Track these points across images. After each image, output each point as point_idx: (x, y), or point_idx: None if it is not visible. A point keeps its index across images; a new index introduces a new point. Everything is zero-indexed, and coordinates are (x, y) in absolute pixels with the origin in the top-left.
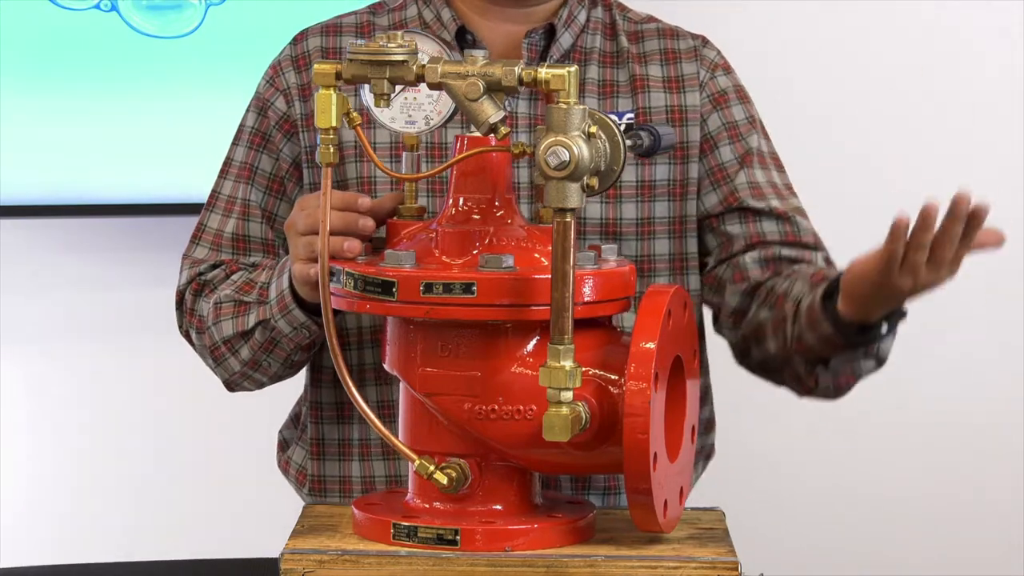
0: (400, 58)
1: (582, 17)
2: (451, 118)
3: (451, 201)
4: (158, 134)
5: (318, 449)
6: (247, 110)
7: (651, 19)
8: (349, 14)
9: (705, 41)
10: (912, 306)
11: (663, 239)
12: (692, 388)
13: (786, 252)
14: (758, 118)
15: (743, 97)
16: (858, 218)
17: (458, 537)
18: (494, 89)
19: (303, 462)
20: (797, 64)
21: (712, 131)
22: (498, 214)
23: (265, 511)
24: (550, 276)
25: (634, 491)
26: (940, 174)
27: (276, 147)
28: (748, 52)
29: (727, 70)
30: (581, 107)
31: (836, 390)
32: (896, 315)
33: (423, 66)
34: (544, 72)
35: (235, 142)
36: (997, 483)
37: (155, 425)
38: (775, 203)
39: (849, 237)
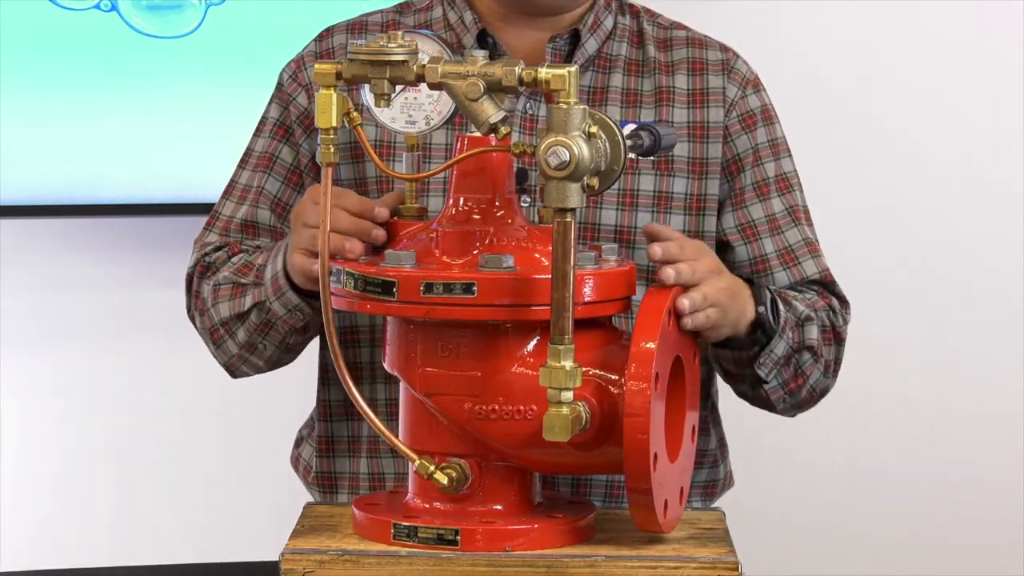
0: (400, 58)
1: (608, 23)
2: (451, 118)
3: (451, 201)
4: (158, 134)
5: (327, 446)
6: (270, 102)
7: (680, 26)
8: (375, 12)
9: (735, 54)
10: (913, 306)
11: None
12: (692, 388)
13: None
14: (781, 137)
15: (768, 118)
16: (857, 217)
17: (458, 537)
18: (494, 89)
19: (309, 459)
20: (806, 63)
21: (741, 153)
22: (498, 214)
23: (266, 512)
24: (550, 276)
25: (634, 491)
26: (940, 174)
27: (297, 141)
28: (762, 52)
29: (757, 87)
30: (581, 107)
31: (791, 395)
32: (762, 316)
33: (423, 66)
34: (544, 72)
35: (256, 133)
36: (998, 484)
37: (155, 425)
38: (810, 267)
39: (849, 235)
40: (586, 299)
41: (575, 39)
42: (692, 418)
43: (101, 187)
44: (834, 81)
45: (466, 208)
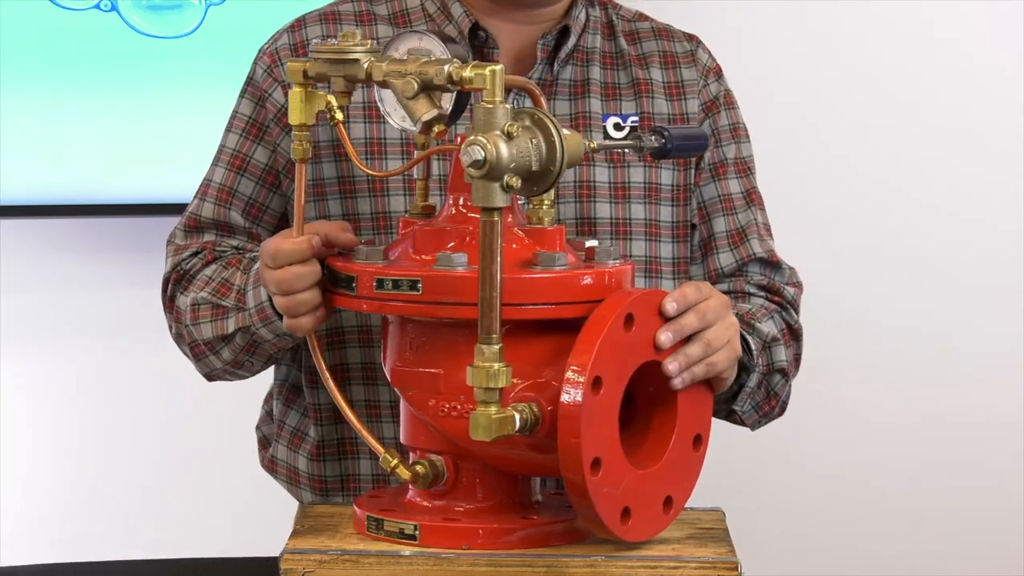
0: (354, 57)
1: (582, 16)
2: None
3: (451, 200)
4: (158, 134)
5: (318, 450)
6: (241, 96)
7: (642, 17)
8: (345, 1)
9: (698, 42)
10: (914, 307)
11: (667, 243)
12: (692, 397)
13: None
14: (741, 123)
15: (729, 103)
16: (847, 221)
17: (417, 532)
18: (428, 87)
19: (293, 461)
20: (790, 64)
21: None
22: None
23: (266, 511)
24: (516, 276)
25: (571, 494)
26: (939, 176)
27: (273, 139)
28: (740, 51)
29: (718, 74)
30: (505, 106)
31: (765, 416)
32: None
33: (372, 64)
34: (468, 72)
35: (229, 129)
36: (999, 483)
37: (155, 424)
38: (755, 248)
39: (848, 239)
40: (537, 301)
41: (562, 34)
42: (694, 426)
43: (101, 187)
44: (803, 82)
45: (464, 207)
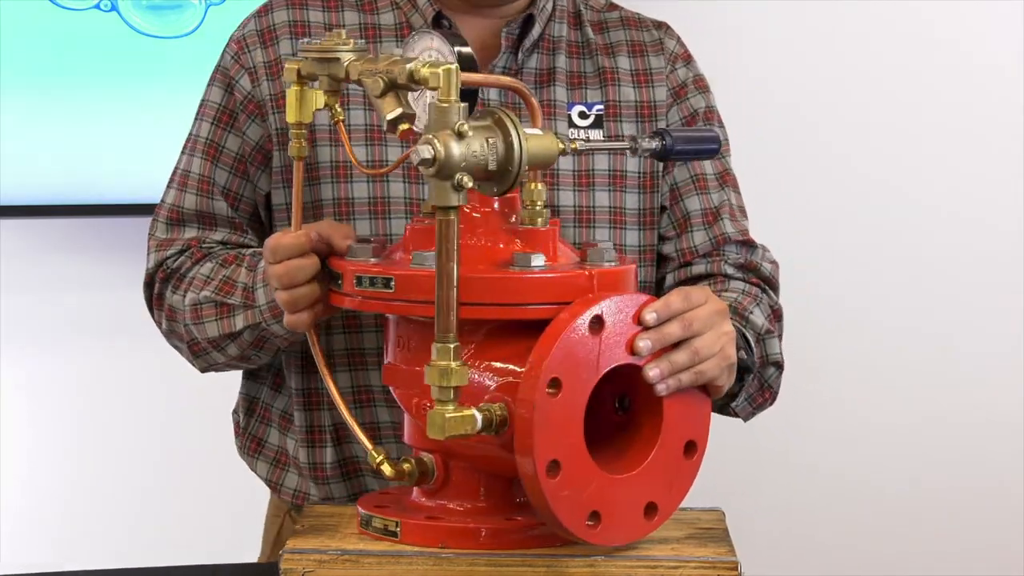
0: (336, 56)
1: (549, 5)
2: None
3: None
4: (158, 134)
5: (306, 436)
6: (211, 83)
7: (611, 6)
8: None
9: (667, 30)
10: (914, 307)
11: (633, 230)
12: (685, 402)
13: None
14: (715, 107)
15: (701, 87)
16: (847, 221)
17: (398, 529)
18: (394, 86)
19: (283, 444)
20: (790, 64)
21: (671, 125)
22: (495, 214)
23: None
24: (483, 276)
25: (529, 495)
26: (939, 176)
27: (241, 127)
28: (740, 51)
29: (687, 60)
30: (460, 105)
31: (759, 407)
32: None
33: (351, 63)
34: (424, 70)
35: (199, 116)
36: (999, 483)
37: (155, 424)
38: (729, 228)
39: (838, 240)
40: (504, 301)
41: (527, 23)
42: (685, 432)
43: (101, 187)
44: (832, 81)
45: (469, 206)
